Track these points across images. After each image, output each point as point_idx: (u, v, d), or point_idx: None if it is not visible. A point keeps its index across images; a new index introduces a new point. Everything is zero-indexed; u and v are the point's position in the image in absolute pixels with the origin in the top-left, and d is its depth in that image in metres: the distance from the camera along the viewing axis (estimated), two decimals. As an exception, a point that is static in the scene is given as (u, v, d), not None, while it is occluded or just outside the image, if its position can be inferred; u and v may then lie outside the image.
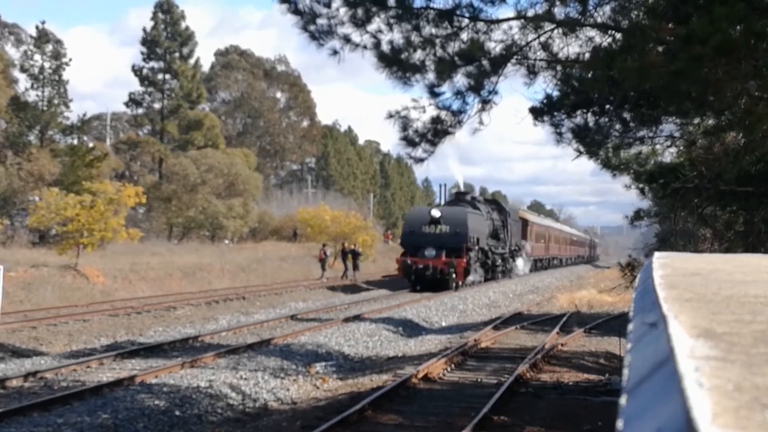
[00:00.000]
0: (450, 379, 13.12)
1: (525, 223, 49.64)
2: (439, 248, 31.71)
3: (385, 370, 13.89)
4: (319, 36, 11.40)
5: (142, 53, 52.95)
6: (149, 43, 52.62)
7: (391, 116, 12.14)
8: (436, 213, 32.56)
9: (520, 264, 44.96)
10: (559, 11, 11.25)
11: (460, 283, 32.42)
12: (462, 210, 33.60)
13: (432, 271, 31.57)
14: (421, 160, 12.50)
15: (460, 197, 37.32)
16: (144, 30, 52.86)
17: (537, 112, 12.36)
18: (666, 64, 8.27)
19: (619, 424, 0.95)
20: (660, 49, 9.20)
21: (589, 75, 11.60)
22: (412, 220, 33.81)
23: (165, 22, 52.90)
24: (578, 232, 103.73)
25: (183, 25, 53.42)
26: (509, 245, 41.38)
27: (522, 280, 43.00)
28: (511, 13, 11.55)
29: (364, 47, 11.45)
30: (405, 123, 12.06)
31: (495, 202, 43.23)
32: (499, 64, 11.34)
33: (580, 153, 12.70)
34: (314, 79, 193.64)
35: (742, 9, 7.78)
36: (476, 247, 33.59)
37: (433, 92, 11.82)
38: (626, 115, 12.30)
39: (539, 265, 56.59)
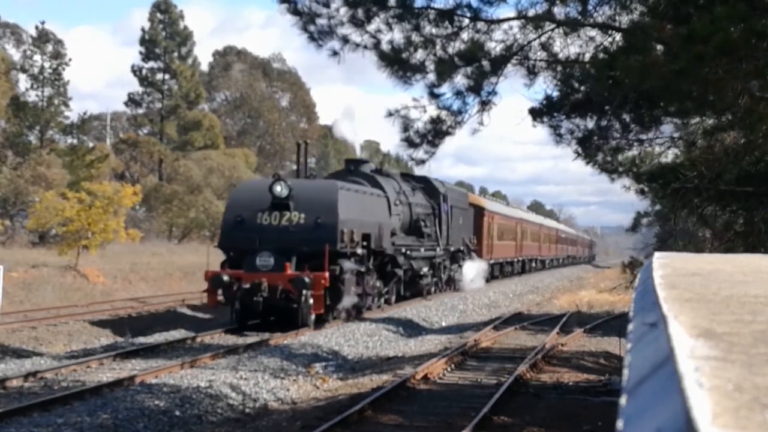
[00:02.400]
0: (450, 379, 13.12)
1: (480, 212, 35.84)
2: (282, 253, 17.47)
3: (385, 370, 13.89)
4: (318, 37, 11.42)
5: (141, 53, 53.01)
6: (147, 43, 52.65)
7: (390, 114, 12.16)
8: (281, 190, 17.99)
9: (470, 271, 31.47)
10: (559, 11, 11.26)
11: (328, 314, 18.26)
12: (330, 186, 19.11)
13: (268, 295, 17.06)
14: (422, 162, 12.53)
15: (351, 168, 23.40)
16: (142, 30, 52.91)
17: (536, 113, 12.37)
18: (667, 64, 8.28)
19: (619, 424, 0.95)
20: (660, 48, 9.21)
21: (590, 75, 11.61)
22: (240, 203, 18.79)
23: (163, 22, 52.92)
24: (569, 229, 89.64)
25: (181, 24, 53.45)
26: (446, 244, 27.68)
27: (522, 279, 42.75)
28: (512, 13, 11.57)
29: (365, 47, 11.46)
30: (406, 124, 12.09)
31: (422, 180, 27.46)
32: (499, 64, 11.35)
33: (579, 155, 12.72)
34: (318, 79, 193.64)
35: (742, 9, 7.78)
36: (360, 251, 18.97)
37: (433, 93, 11.84)
38: (626, 116, 12.31)
39: (506, 270, 42.95)
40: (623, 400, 1.02)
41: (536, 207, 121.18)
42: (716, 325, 1.28)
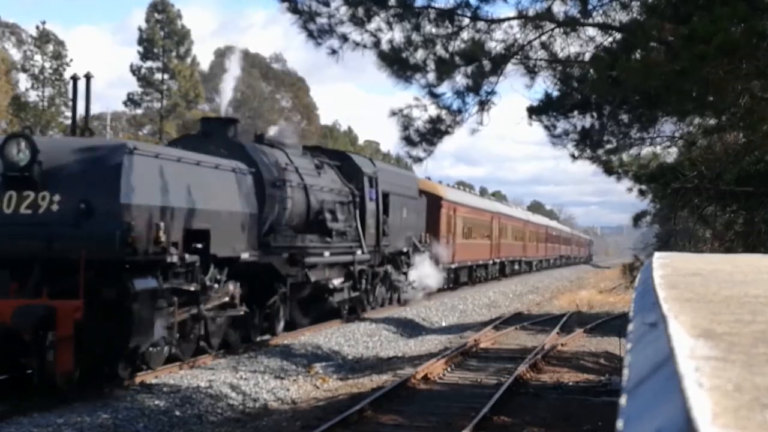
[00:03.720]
0: (450, 380, 13.13)
1: (435, 203, 28.37)
2: (12, 263, 10.22)
3: (385, 370, 13.89)
4: (318, 35, 11.43)
5: (139, 53, 53.06)
6: (145, 42, 52.70)
7: (394, 114, 12.19)
8: (18, 153, 10.32)
9: (420, 277, 24.42)
10: (558, 10, 11.26)
11: (105, 370, 10.72)
12: (111, 149, 11.01)
13: None
14: (419, 160, 12.56)
15: (208, 132, 15.31)
16: (140, 29, 52.97)
17: (534, 111, 12.39)
18: (668, 64, 8.28)
19: (619, 424, 0.95)
20: (660, 49, 9.21)
21: (590, 75, 11.62)
22: None
23: (161, 22, 52.99)
24: (562, 226, 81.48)
25: (179, 24, 53.51)
26: (375, 244, 20.37)
27: (522, 279, 42.65)
28: (512, 13, 11.58)
29: (364, 46, 11.48)
30: (406, 123, 12.11)
31: (337, 156, 20.34)
32: (498, 63, 11.36)
33: (575, 157, 12.74)
34: (319, 79, 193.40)
35: (743, 9, 7.79)
36: (178, 258, 11.50)
37: (432, 92, 11.85)
38: (624, 117, 12.32)
39: (477, 275, 35.82)
40: (623, 400, 1.02)
41: (536, 207, 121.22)
42: (716, 325, 1.28)
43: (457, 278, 31.90)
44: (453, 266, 30.24)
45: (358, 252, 19.14)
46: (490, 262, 38.33)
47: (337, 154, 20.86)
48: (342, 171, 19.50)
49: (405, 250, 23.31)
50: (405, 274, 23.55)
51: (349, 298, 19.32)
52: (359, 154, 21.38)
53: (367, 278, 20.37)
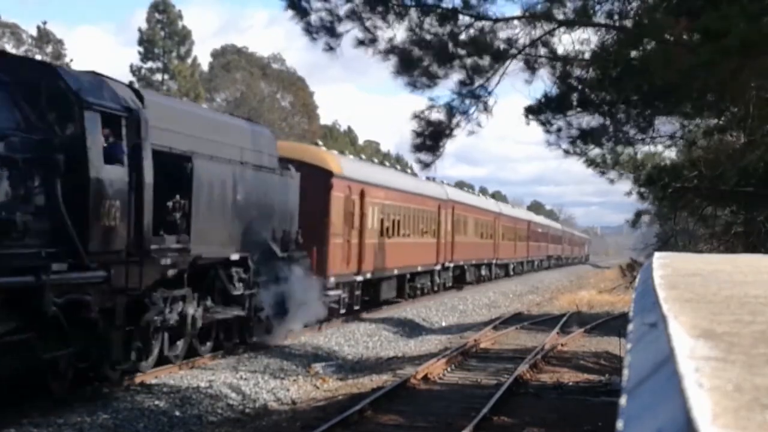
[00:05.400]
0: (450, 380, 13.12)
1: (321, 182, 18.36)
2: None
3: (385, 370, 13.89)
4: (316, 31, 11.44)
5: (140, 53, 53.08)
6: (146, 43, 52.71)
7: (416, 117, 12.25)
8: None
9: (277, 303, 14.90)
10: (562, 8, 11.25)
11: None
12: None
13: None
14: (427, 165, 12.61)
15: None
16: (140, 30, 52.99)
17: (532, 111, 12.39)
18: (689, 56, 8.22)
19: (619, 424, 0.95)
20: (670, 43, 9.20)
21: (591, 74, 11.62)
22: None
23: (161, 22, 53.02)
24: (552, 222, 71.90)
25: (180, 24, 53.54)
26: (124, 247, 10.24)
27: (523, 279, 42.57)
28: (516, 12, 11.59)
29: (365, 44, 11.48)
30: (420, 128, 12.17)
31: (32, 67, 10.41)
32: (501, 61, 11.38)
33: (568, 152, 12.75)
34: (320, 79, 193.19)
35: (752, 8, 7.76)
36: None
37: (434, 80, 11.85)
38: (623, 116, 12.32)
39: (415, 286, 26.14)
40: (623, 400, 1.02)
41: (536, 207, 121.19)
42: (716, 325, 1.28)
43: (377, 294, 22.42)
44: (361, 279, 20.59)
45: (56, 266, 9.19)
46: (438, 267, 28.22)
47: (33, 65, 11.26)
48: (39, 98, 9.67)
49: (235, 257, 13.71)
50: (240, 298, 13.91)
51: (48, 360, 9.38)
52: (99, 74, 10.88)
53: (112, 318, 10.29)
